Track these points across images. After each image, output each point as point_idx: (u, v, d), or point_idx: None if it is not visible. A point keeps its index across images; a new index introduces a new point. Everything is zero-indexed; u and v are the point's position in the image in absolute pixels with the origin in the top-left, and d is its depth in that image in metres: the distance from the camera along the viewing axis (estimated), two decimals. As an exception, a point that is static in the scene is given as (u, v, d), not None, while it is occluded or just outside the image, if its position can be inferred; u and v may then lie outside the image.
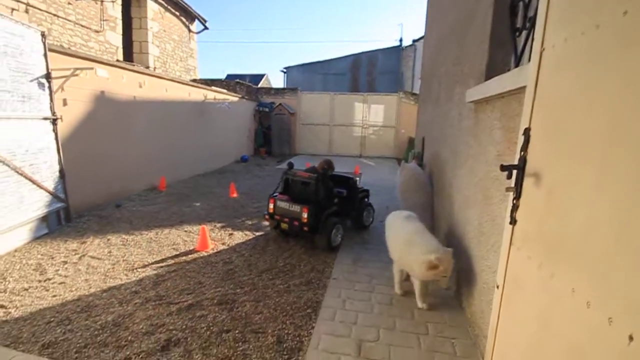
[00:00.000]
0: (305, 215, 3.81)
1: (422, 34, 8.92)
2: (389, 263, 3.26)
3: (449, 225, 3.45)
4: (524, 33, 2.08)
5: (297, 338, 2.43)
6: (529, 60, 1.57)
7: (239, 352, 2.26)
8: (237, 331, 2.48)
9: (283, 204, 4.07)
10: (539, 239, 1.30)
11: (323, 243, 3.93)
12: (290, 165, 4.31)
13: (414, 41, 19.42)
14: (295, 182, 4.23)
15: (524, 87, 1.55)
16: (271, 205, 4.16)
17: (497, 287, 1.62)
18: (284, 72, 22.34)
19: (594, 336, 0.96)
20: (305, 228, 3.82)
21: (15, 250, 3.65)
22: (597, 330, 0.94)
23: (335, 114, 13.72)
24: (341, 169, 10.33)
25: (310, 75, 21.47)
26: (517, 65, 2.19)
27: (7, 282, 3.02)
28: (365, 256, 3.91)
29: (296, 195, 4.16)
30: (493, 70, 2.50)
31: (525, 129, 1.44)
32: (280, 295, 2.99)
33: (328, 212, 3.97)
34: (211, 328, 2.51)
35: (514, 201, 1.47)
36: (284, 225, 4.03)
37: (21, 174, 3.72)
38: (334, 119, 13.76)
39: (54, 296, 2.85)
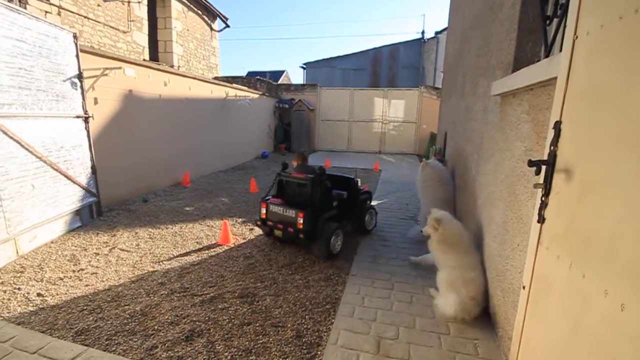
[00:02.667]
0: (300, 220, 3.47)
1: (445, 25, 8.66)
2: (408, 261, 3.22)
3: (471, 222, 3.35)
4: (555, 21, 1.97)
5: (316, 333, 2.45)
6: (560, 49, 1.48)
7: (259, 345, 2.31)
8: (257, 324, 2.53)
9: (276, 209, 3.73)
10: (570, 237, 1.23)
11: (321, 251, 3.57)
12: (285, 166, 3.99)
13: (437, 33, 18.89)
14: (290, 183, 3.90)
15: (554, 79, 1.47)
16: (263, 210, 3.81)
17: (523, 287, 1.56)
18: (304, 68, 22.35)
19: (628, 341, 0.90)
20: (301, 235, 3.47)
21: (52, 242, 3.88)
22: (632, 335, 0.88)
23: (355, 109, 13.60)
24: (360, 165, 10.33)
25: (329, 71, 21.38)
26: (547, 56, 2.08)
27: (44, 272, 3.22)
28: (384, 253, 3.87)
29: (291, 198, 3.86)
30: (521, 61, 2.39)
31: (556, 122, 1.37)
32: (299, 290, 3.02)
33: (326, 217, 3.64)
34: (233, 320, 2.57)
35: (543, 198, 1.40)
36: (277, 232, 3.70)
37: (56, 170, 3.95)
38: (353, 114, 13.65)
39: (87, 286, 3.02)
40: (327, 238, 3.51)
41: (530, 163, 1.37)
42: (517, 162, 2.14)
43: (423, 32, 20.31)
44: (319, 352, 2.25)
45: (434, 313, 2.68)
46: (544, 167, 1.37)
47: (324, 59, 21.79)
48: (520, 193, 2.04)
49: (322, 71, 21.45)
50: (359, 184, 4.30)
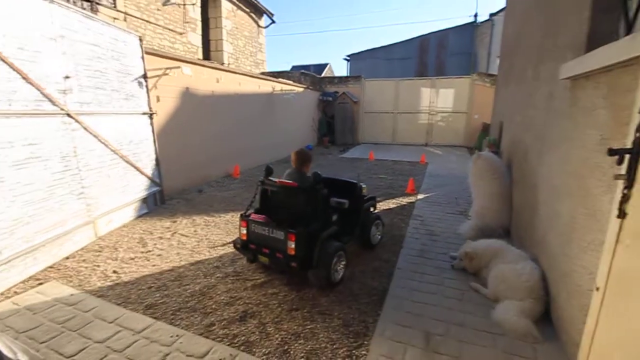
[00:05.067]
0: (292, 245, 2.67)
1: (501, 5, 8.00)
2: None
3: (530, 219, 3.11)
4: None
5: (363, 323, 2.47)
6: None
7: (307, 330, 2.39)
8: (305, 310, 2.62)
9: (260, 229, 2.90)
10: (658, 236, 1.10)
11: (319, 280, 2.78)
12: (269, 171, 3.15)
13: (492, 15, 17.50)
14: (276, 194, 3.08)
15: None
16: (244, 230, 2.97)
17: (597, 289, 1.42)
18: (347, 60, 22.13)
19: None
20: (293, 263, 2.68)
21: (124, 226, 4.34)
22: None
23: (400, 100, 13.19)
24: (406, 158, 10.03)
25: (374, 62, 20.93)
26: (628, 33, 1.84)
27: (118, 252, 3.62)
28: (433, 248, 3.75)
29: (278, 213, 3.03)
30: (596, 40, 2.13)
31: (643, 106, 1.21)
32: (345, 281, 3.05)
33: (325, 236, 2.83)
34: (282, 305, 2.69)
35: (625, 191, 1.26)
36: (263, 259, 2.91)
37: (127, 162, 4.39)
38: (398, 106, 13.25)
39: (153, 266, 3.34)
40: (327, 264, 2.75)
41: (611, 152, 1.24)
42: (590, 152, 1.94)
43: (476, 15, 18.97)
44: (366, 342, 2.27)
45: (487, 313, 2.56)
46: (627, 157, 1.23)
47: (367, 50, 21.38)
48: (593, 186, 1.85)
49: (366, 62, 21.07)
50: (364, 190, 3.47)
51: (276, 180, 3.03)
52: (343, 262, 3.02)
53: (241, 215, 3.03)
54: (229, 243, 3.81)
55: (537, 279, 2.51)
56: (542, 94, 3.19)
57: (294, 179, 3.01)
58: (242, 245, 3.04)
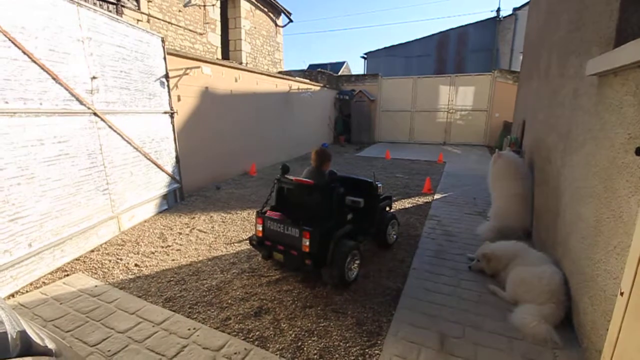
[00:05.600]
0: (306, 242, 2.72)
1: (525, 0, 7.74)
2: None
3: (552, 221, 3.00)
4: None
5: (376, 323, 2.46)
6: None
7: (320, 327, 2.41)
8: (319, 308, 2.63)
9: (275, 226, 2.97)
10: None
11: (332, 278, 2.81)
12: (285, 169, 3.21)
13: (515, 9, 16.95)
14: (293, 192, 3.14)
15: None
16: (259, 227, 3.06)
17: (621, 294, 1.36)
18: (364, 58, 21.95)
19: None
20: (307, 261, 2.73)
21: (145, 221, 4.50)
22: None
23: (418, 99, 12.98)
24: (423, 158, 9.87)
25: (391, 60, 20.67)
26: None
27: (139, 246, 3.75)
28: (449, 249, 3.69)
29: (294, 211, 3.09)
30: (625, 34, 2.03)
31: (675, 103, 1.15)
32: (359, 280, 3.05)
33: (340, 234, 2.87)
34: (296, 302, 2.71)
35: (652, 193, 1.20)
36: (277, 256, 2.96)
37: (149, 159, 4.54)
38: (416, 104, 13.05)
39: (173, 260, 3.45)
40: (341, 263, 2.78)
41: (639, 151, 1.18)
42: (617, 152, 1.85)
43: (499, 10, 18.38)
44: (379, 342, 2.27)
45: (505, 316, 2.49)
46: (655, 157, 1.17)
47: (385, 48, 21.12)
48: (620, 188, 1.77)
49: (383, 60, 20.84)
50: (379, 189, 3.46)
51: (292, 178, 3.09)
52: (357, 261, 3.02)
53: (257, 212, 3.09)
54: (245, 240, 3.89)
55: (559, 283, 2.42)
56: (567, 91, 3.07)
57: (313, 177, 3.07)
58: (257, 242, 3.10)
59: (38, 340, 1.09)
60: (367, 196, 3.39)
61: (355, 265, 3.02)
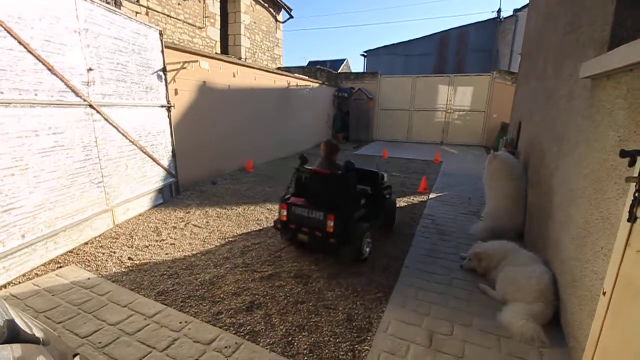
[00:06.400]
0: (331, 224, 3.07)
1: (526, 1, 7.74)
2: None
3: (544, 222, 3.03)
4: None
5: (367, 319, 2.49)
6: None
7: (312, 323, 2.42)
8: (310, 304, 2.65)
9: (300, 210, 3.29)
10: (669, 242, 1.06)
11: (351, 255, 3.17)
12: (303, 160, 3.50)
13: (516, 11, 16.95)
14: (313, 181, 3.42)
15: (663, 56, 1.25)
16: (284, 212, 3.38)
17: (604, 293, 1.39)
18: (364, 56, 21.90)
19: None
20: (332, 240, 3.09)
21: (140, 215, 4.50)
22: None
23: (417, 98, 12.98)
24: (420, 157, 9.89)
25: (391, 58, 20.63)
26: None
27: (134, 240, 3.76)
28: (443, 248, 3.72)
29: (314, 198, 3.39)
30: (620, 38, 2.04)
31: (661, 107, 1.17)
32: (352, 277, 3.07)
33: (357, 216, 3.26)
34: (288, 298, 2.73)
35: (636, 194, 1.22)
36: (302, 237, 3.31)
37: (145, 153, 4.53)
38: (415, 103, 13.05)
39: (167, 254, 3.45)
40: (360, 241, 3.18)
41: (623, 153, 1.20)
42: (608, 154, 1.88)
43: (500, 11, 18.36)
44: (369, 338, 2.29)
45: (495, 315, 2.52)
46: (639, 159, 1.19)
47: (385, 46, 21.07)
48: (609, 190, 1.79)
49: (383, 59, 20.79)
50: (385, 178, 3.95)
51: (311, 168, 3.44)
52: (369, 241, 3.43)
53: (281, 198, 3.45)
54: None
55: (548, 283, 2.45)
56: (562, 93, 3.08)
57: (326, 167, 3.39)
58: (282, 226, 3.44)
59: (26, 329, 1.10)
60: (375, 185, 3.84)
61: (369, 244, 3.41)
